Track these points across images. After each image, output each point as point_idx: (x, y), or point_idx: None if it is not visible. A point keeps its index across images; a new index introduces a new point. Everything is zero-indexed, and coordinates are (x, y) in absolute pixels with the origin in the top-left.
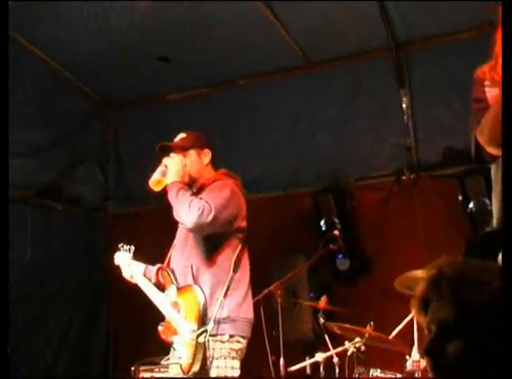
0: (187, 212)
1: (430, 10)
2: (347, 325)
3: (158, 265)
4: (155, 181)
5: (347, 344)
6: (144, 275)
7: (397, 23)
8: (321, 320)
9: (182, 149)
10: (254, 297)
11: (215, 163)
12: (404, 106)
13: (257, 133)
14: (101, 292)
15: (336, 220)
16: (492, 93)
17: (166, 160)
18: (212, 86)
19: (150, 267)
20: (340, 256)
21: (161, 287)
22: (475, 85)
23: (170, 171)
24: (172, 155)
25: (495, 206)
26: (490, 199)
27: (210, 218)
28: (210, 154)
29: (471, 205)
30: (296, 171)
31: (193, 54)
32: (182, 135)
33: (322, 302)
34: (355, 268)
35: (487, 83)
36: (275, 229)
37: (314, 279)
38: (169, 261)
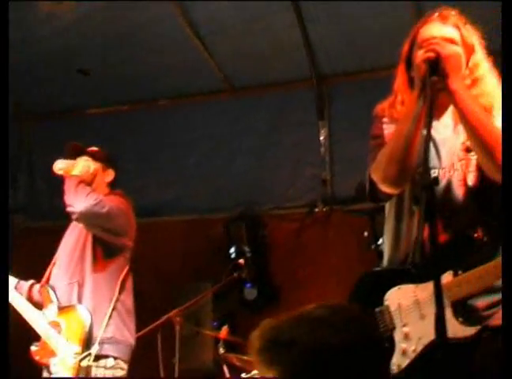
0: (83, 198)
1: (353, 46)
2: (245, 357)
3: (31, 281)
4: (61, 166)
5: (243, 376)
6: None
7: (321, 56)
8: (221, 351)
9: (93, 158)
10: (152, 322)
11: (113, 186)
12: (322, 138)
13: (176, 155)
14: None
15: (247, 248)
16: (390, 130)
17: (81, 159)
18: (134, 103)
19: (22, 282)
20: (248, 285)
21: (35, 304)
22: (374, 122)
23: (78, 167)
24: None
25: (386, 244)
26: None
27: (104, 210)
28: (113, 175)
29: (380, 242)
30: (213, 196)
31: (116, 70)
32: (94, 148)
33: (223, 331)
34: (263, 298)
35: (385, 120)
36: (187, 253)
37: (220, 308)
38: (48, 278)
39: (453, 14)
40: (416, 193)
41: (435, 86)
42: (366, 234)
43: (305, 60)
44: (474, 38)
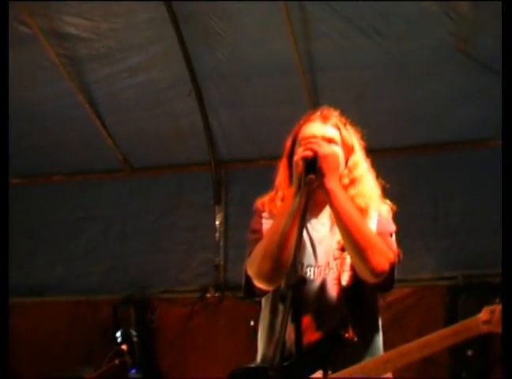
0: None
1: (252, 134)
2: None
3: None
4: None
5: None
6: None
7: (220, 141)
8: None
9: None
10: None
11: None
12: (217, 223)
13: (67, 233)
14: None
15: (134, 333)
16: (267, 226)
17: None
18: (26, 177)
19: None
20: (133, 371)
21: None
22: (253, 216)
23: None
24: None
25: (260, 339)
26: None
27: None
28: None
29: None
30: (102, 277)
31: (10, 142)
32: None
33: None
34: None
35: (264, 214)
36: (73, 336)
37: None
38: None
39: (334, 115)
40: (283, 292)
41: (312, 184)
42: (252, 323)
43: (204, 144)
44: (354, 139)
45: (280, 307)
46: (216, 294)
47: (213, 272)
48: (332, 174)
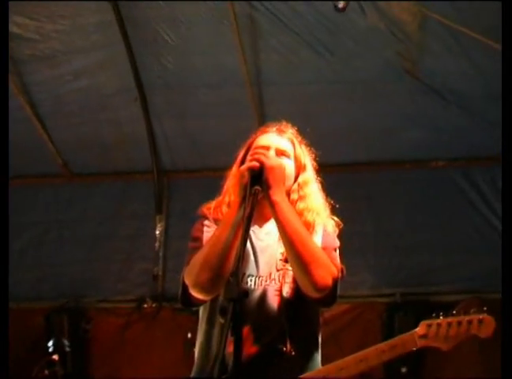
0: None
1: (196, 144)
2: None
3: None
4: None
5: None
6: None
7: (164, 151)
8: None
9: None
10: None
11: None
12: (157, 232)
13: None
14: None
15: (67, 343)
16: (208, 234)
17: None
18: None
19: None
20: None
21: None
22: (196, 223)
23: None
24: None
25: (197, 350)
26: None
27: None
28: None
29: None
30: (36, 285)
31: None
32: None
33: None
34: None
35: (206, 222)
36: None
37: None
38: None
39: (290, 131)
40: (223, 304)
41: (257, 196)
42: (190, 335)
43: (147, 153)
44: (307, 158)
45: (219, 319)
46: (154, 305)
47: (152, 283)
48: (277, 187)
